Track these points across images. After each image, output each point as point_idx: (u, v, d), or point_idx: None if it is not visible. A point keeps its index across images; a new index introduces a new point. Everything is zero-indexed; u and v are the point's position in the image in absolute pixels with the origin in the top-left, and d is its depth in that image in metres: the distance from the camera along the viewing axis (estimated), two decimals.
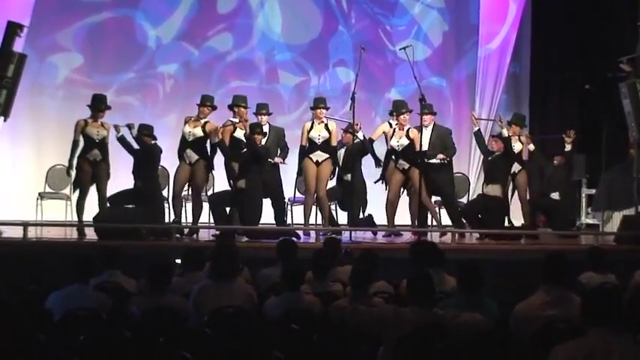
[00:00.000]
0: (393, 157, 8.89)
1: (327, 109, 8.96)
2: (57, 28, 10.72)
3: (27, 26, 9.16)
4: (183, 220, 8.97)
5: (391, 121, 9.05)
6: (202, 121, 8.71)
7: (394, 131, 8.92)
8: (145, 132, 8.66)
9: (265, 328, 4.69)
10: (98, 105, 8.74)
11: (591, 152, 10.10)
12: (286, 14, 11.26)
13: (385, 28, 11.45)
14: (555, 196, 9.35)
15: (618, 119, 9.66)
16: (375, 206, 9.24)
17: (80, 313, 4.64)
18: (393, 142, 8.89)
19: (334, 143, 8.91)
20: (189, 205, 8.95)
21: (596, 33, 11.28)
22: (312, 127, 8.87)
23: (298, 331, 4.46)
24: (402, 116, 8.88)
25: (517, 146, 9.24)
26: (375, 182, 9.02)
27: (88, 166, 8.57)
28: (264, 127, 8.79)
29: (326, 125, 8.87)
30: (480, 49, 11.32)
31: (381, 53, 11.33)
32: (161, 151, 8.84)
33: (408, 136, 8.84)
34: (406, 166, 8.82)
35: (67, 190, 9.88)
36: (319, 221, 9.24)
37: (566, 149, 9.43)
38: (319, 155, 8.83)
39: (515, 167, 9.26)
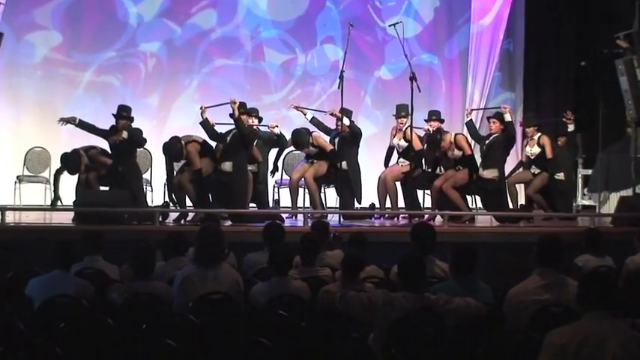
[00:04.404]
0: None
1: (310, 143, 8.94)
2: (35, 6, 10.55)
3: (3, 3, 9.00)
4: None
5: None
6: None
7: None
8: (124, 114, 8.47)
9: (252, 315, 4.64)
10: None
11: (587, 131, 9.99)
12: None
13: (374, 4, 11.31)
14: (560, 176, 9.23)
15: (615, 97, 9.53)
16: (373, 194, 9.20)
17: (61, 301, 4.62)
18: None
19: (328, 149, 8.92)
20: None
21: (592, 8, 11.15)
22: None
23: (286, 317, 4.41)
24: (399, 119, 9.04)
25: (534, 150, 9.13)
26: None
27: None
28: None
29: (312, 144, 8.93)
30: (473, 25, 11.18)
31: (370, 30, 11.21)
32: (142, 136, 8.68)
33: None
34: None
35: (46, 174, 9.80)
36: (307, 204, 9.16)
37: (569, 129, 9.39)
38: (313, 159, 8.97)
39: (534, 169, 9.16)
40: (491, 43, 11.10)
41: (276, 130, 8.95)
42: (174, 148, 8.38)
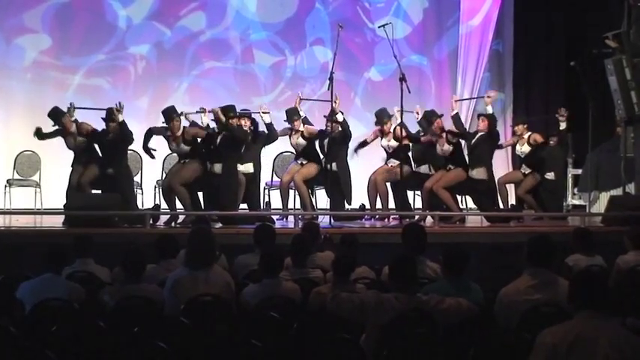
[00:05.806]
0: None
1: (300, 117, 8.86)
2: (24, 9, 10.49)
3: None
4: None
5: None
6: (179, 134, 8.40)
7: None
8: (114, 117, 8.43)
9: (243, 317, 4.64)
10: None
11: (577, 131, 9.99)
12: None
13: (363, 5, 11.26)
14: (550, 176, 9.22)
15: (604, 97, 9.54)
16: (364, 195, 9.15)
17: (52, 304, 4.62)
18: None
19: (317, 132, 8.86)
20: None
21: (580, 8, 11.16)
22: (291, 134, 8.93)
23: (277, 319, 4.42)
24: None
25: (525, 148, 9.14)
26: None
27: None
28: None
29: (302, 134, 8.83)
30: (462, 25, 11.16)
31: (359, 31, 11.17)
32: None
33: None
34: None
35: (36, 177, 9.72)
36: (297, 206, 9.11)
37: (560, 128, 9.32)
38: (303, 160, 8.87)
39: (525, 169, 9.18)
40: (481, 43, 11.07)
41: (267, 118, 8.72)
42: (169, 110, 8.43)
